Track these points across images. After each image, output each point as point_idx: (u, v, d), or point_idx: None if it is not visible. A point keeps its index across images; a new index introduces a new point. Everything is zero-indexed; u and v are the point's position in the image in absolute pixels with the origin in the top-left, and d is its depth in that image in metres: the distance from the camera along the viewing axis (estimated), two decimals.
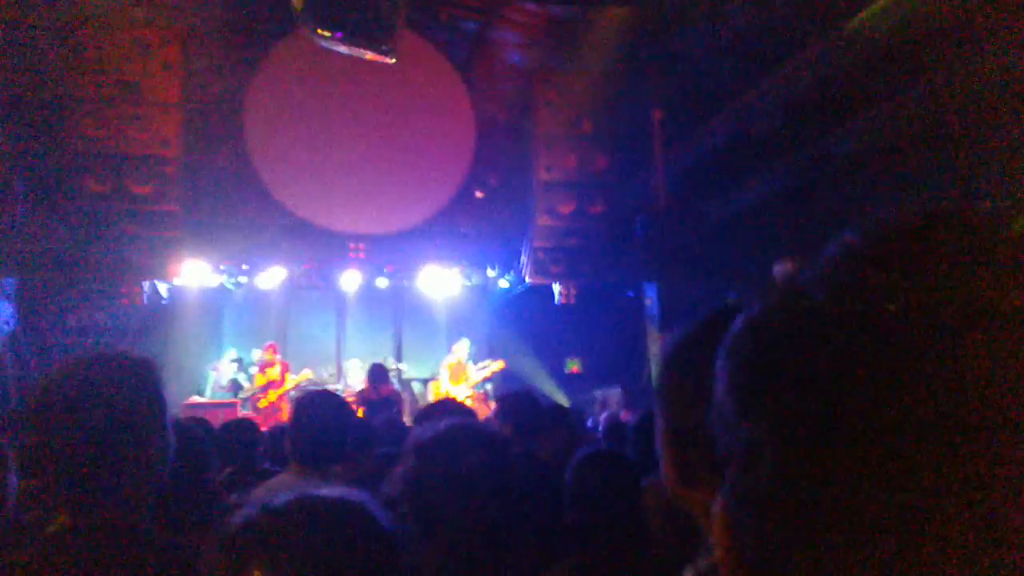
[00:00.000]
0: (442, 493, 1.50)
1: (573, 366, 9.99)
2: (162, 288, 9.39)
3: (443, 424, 1.64)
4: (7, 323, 8.65)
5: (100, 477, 1.31)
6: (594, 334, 9.94)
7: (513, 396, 4.20)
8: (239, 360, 9.91)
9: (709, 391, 0.87)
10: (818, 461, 0.38)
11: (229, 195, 9.72)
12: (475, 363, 9.26)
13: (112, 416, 1.32)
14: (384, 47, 6.44)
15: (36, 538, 1.34)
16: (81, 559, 1.24)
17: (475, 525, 1.48)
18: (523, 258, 8.90)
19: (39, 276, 8.63)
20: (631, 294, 9.66)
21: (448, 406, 4.11)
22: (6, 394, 8.11)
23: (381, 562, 0.89)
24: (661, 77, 8.00)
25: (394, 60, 6.15)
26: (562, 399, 9.40)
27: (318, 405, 2.64)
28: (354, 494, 0.96)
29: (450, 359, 9.06)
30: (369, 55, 6.46)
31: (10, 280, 8.53)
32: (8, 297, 8.64)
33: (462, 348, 9.14)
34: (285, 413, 8.51)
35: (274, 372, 9.49)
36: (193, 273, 9.66)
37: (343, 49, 6.44)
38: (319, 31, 5.89)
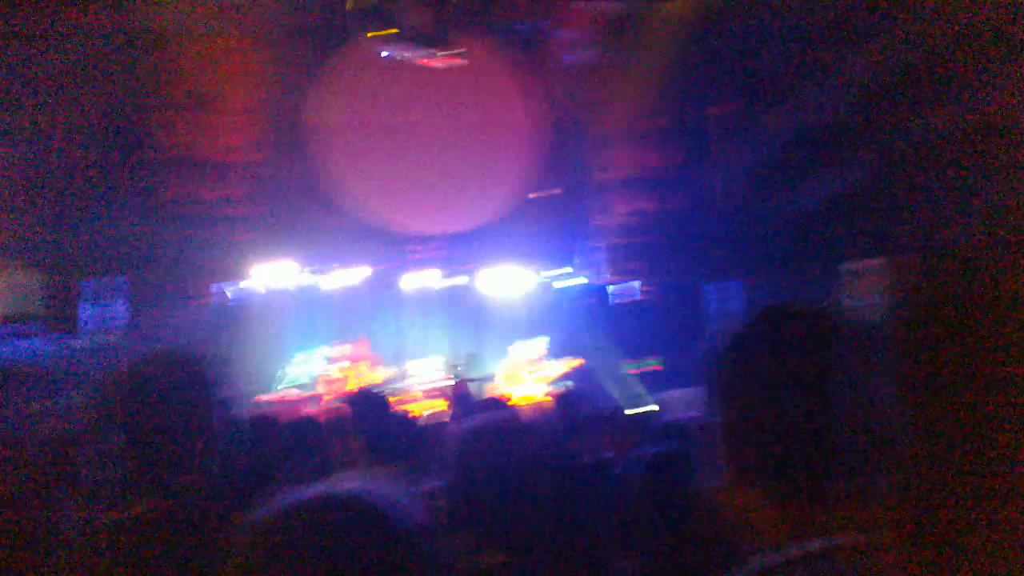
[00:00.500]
0: (478, 481, 1.51)
1: (643, 365, 9.84)
2: (242, 288, 9.75)
3: (485, 415, 1.66)
4: (92, 321, 9.12)
5: (154, 465, 1.38)
6: (670, 333, 9.76)
7: (568, 394, 4.19)
8: (307, 359, 10.19)
9: (759, 388, 0.88)
10: None
11: (302, 198, 10.01)
12: (549, 361, 9.24)
13: (164, 409, 1.39)
14: (438, 50, 6.52)
15: (98, 526, 1.42)
16: (136, 544, 1.29)
17: (510, 516, 1.48)
18: (589, 257, 8.85)
19: (120, 277, 9.08)
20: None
21: (494, 404, 4.14)
22: None
23: (394, 560, 0.88)
24: (721, 69, 7.81)
25: (443, 64, 6.22)
26: (637, 399, 9.28)
27: (369, 405, 2.68)
28: (374, 488, 0.95)
29: (522, 358, 9.07)
30: (424, 59, 6.55)
31: (93, 280, 8.99)
32: (89, 298, 9.10)
33: (535, 346, 9.14)
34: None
35: (347, 369, 9.72)
36: (270, 274, 10.00)
37: (397, 53, 6.54)
38: (372, 34, 6.00)
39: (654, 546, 2.27)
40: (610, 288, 8.90)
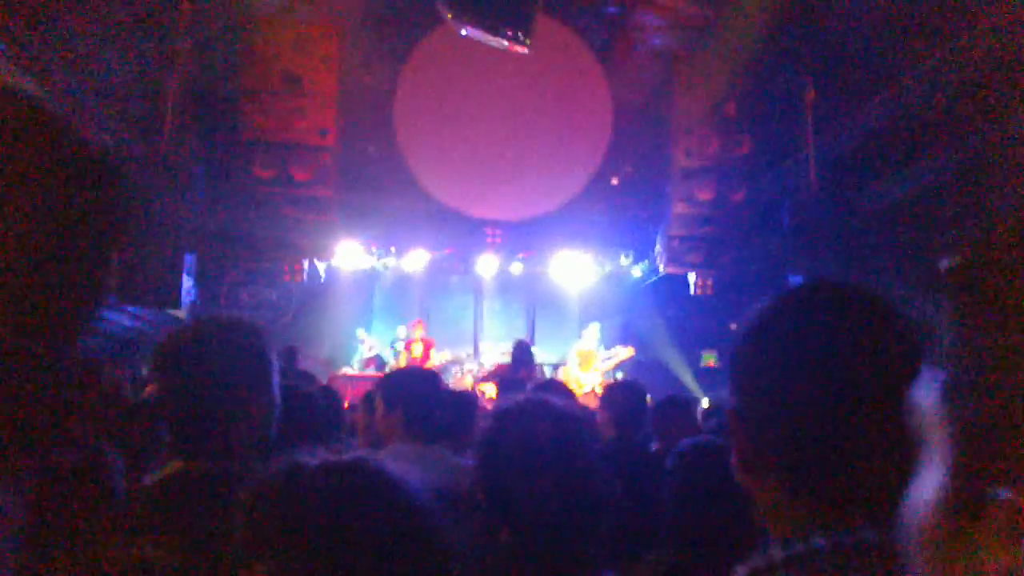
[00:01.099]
0: (509, 463, 1.50)
1: (709, 359, 9.63)
2: (320, 268, 10.10)
3: (522, 397, 1.65)
4: (188, 295, 9.67)
5: (207, 428, 1.44)
6: (740, 320, 9.47)
7: (618, 386, 4.15)
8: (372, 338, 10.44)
9: (788, 374, 0.85)
10: None
11: (379, 181, 10.28)
12: (606, 350, 9.18)
13: (219, 374, 1.45)
14: (520, 36, 6.52)
15: (153, 481, 1.52)
16: (183, 501, 1.37)
17: (541, 499, 1.47)
18: (658, 247, 8.69)
19: (214, 253, 9.56)
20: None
21: (552, 385, 4.11)
22: None
23: (401, 536, 0.88)
24: (812, 55, 7.48)
25: (527, 50, 6.20)
26: (697, 393, 9.13)
27: (412, 382, 2.72)
28: (390, 464, 0.95)
29: (580, 345, 9.04)
30: (505, 44, 6.57)
31: (190, 256, 9.52)
32: (189, 273, 9.65)
33: (592, 333, 9.09)
34: None
35: (417, 350, 9.95)
36: (347, 254, 10.35)
37: (480, 36, 6.58)
38: (456, 17, 6.06)
39: (686, 535, 2.26)
40: (691, 278, 8.69)
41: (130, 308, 8.70)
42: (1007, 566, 0.39)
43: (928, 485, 0.45)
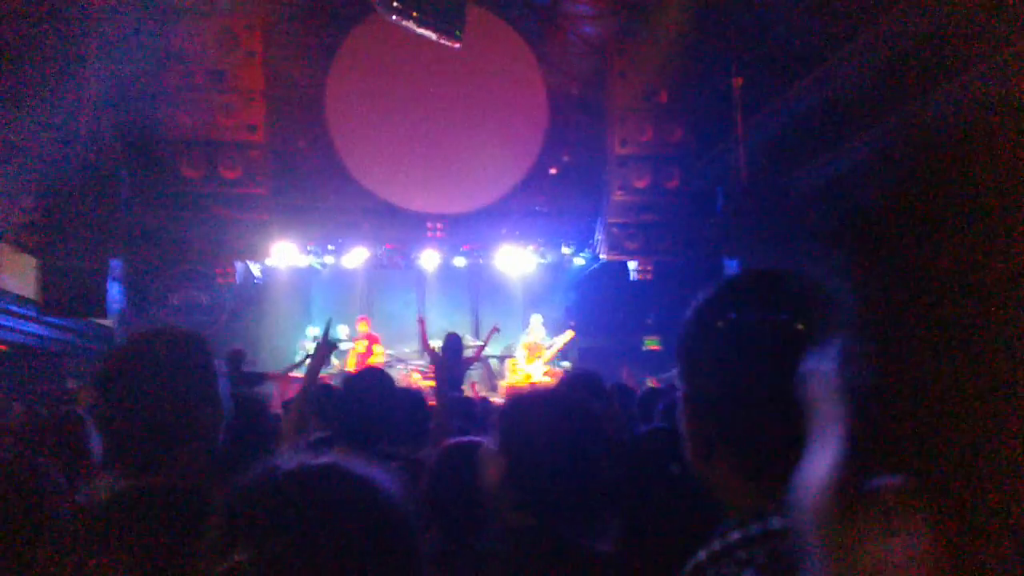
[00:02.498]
0: (533, 447, 1.55)
1: (652, 344, 9.79)
2: (255, 268, 9.84)
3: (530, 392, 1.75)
4: (116, 302, 9.30)
5: (154, 442, 1.41)
6: (673, 311, 9.67)
7: (575, 376, 4.18)
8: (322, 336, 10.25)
9: (728, 359, 0.86)
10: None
11: (314, 178, 10.07)
12: (550, 339, 9.24)
13: (164, 387, 1.42)
14: (451, 29, 6.45)
15: (101, 498, 1.46)
16: (137, 517, 1.32)
17: (563, 481, 1.52)
18: (598, 235, 8.76)
19: (142, 257, 9.21)
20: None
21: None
22: None
23: (383, 540, 0.87)
24: (741, 41, 7.62)
25: (459, 44, 6.14)
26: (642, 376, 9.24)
27: (363, 383, 2.63)
28: (365, 466, 0.94)
29: (525, 338, 9.08)
30: (436, 37, 6.49)
31: (117, 262, 9.15)
32: (117, 278, 9.28)
33: (536, 324, 9.14)
34: None
35: (361, 346, 9.81)
36: (283, 254, 10.10)
37: (414, 29, 6.49)
38: (383, 5, 5.96)
39: (642, 517, 2.28)
40: (631, 265, 8.79)
41: (53, 320, 8.32)
42: (880, 559, 0.37)
43: (820, 463, 0.43)
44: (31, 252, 7.87)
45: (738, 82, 7.88)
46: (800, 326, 0.82)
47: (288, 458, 0.93)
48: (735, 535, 0.82)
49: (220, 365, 1.57)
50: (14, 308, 7.90)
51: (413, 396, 3.63)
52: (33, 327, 8.30)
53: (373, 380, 2.70)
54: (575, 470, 1.54)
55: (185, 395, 1.45)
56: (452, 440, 2.16)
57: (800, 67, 7.30)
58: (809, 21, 6.97)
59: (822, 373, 0.45)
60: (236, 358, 7.35)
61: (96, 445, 2.38)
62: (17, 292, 7.94)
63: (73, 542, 1.36)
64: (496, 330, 8.54)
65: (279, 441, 2.72)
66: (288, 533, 0.82)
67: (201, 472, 1.45)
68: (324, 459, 0.93)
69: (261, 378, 7.91)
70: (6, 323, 7.91)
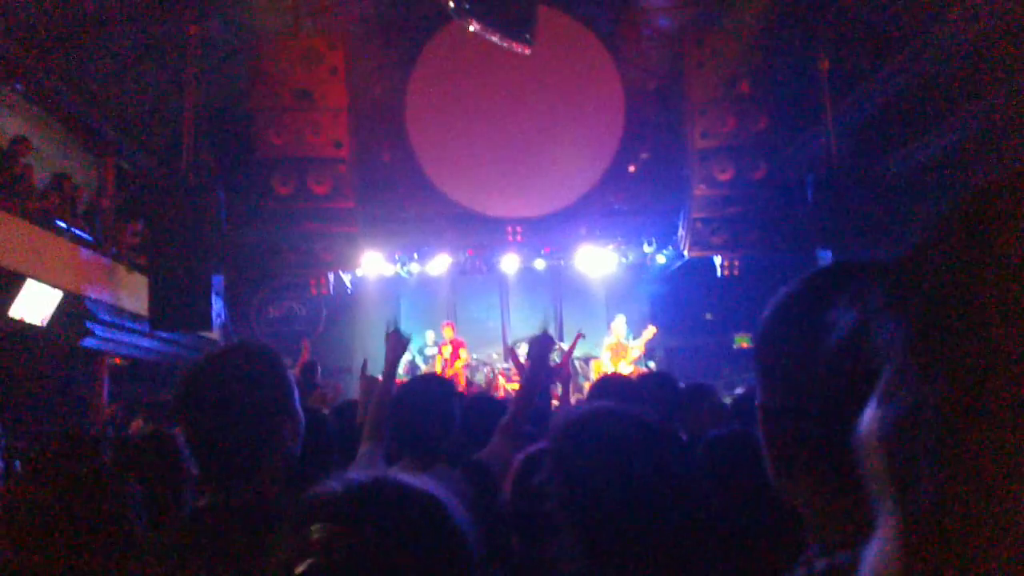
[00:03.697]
0: (589, 481, 1.34)
1: (742, 341, 9.49)
2: (346, 278, 10.16)
3: (593, 405, 1.51)
4: (220, 315, 9.82)
5: (236, 458, 1.43)
6: (764, 307, 9.33)
7: (650, 376, 4.09)
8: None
9: (812, 363, 0.75)
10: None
11: (398, 189, 10.33)
12: (635, 339, 9.11)
13: (243, 402, 1.44)
14: (522, 35, 6.48)
15: (185, 514, 1.50)
16: (218, 533, 1.35)
17: (626, 516, 1.31)
18: (681, 231, 8.57)
19: (241, 272, 9.68)
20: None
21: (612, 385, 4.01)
22: None
23: (445, 563, 0.86)
24: (825, 22, 7.31)
25: (529, 50, 6.15)
26: (731, 376, 9.00)
27: (419, 392, 2.48)
28: (434, 487, 0.93)
29: (609, 339, 8.99)
30: (507, 44, 6.54)
31: (219, 277, 9.66)
32: (219, 293, 9.80)
33: (619, 325, 9.02)
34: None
35: (447, 351, 9.97)
36: (371, 263, 10.41)
37: (485, 32, 6.56)
38: (457, 9, 6.05)
39: (713, 536, 2.18)
40: (716, 261, 8.54)
41: (163, 334, 8.84)
42: None
43: (883, 546, 0.39)
44: (142, 271, 8.41)
45: (824, 65, 7.55)
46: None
47: (352, 473, 0.94)
48: (821, 564, 0.73)
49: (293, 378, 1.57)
50: (129, 324, 8.46)
51: (481, 400, 3.52)
52: (146, 342, 8.84)
53: (426, 386, 2.57)
54: (647, 500, 1.29)
55: (264, 410, 1.45)
56: (535, 447, 1.94)
57: (889, 47, 6.95)
58: (895, 2, 6.63)
59: (867, 427, 0.40)
60: (308, 370, 7.42)
61: (191, 463, 2.46)
62: (132, 310, 8.49)
63: (155, 556, 1.41)
64: (581, 336, 8.45)
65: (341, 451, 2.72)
66: (349, 545, 0.83)
67: (281, 486, 1.46)
68: (380, 474, 0.94)
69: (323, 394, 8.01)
70: (123, 339, 8.47)
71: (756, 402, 0.84)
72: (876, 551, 0.39)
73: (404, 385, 2.58)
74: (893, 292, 0.41)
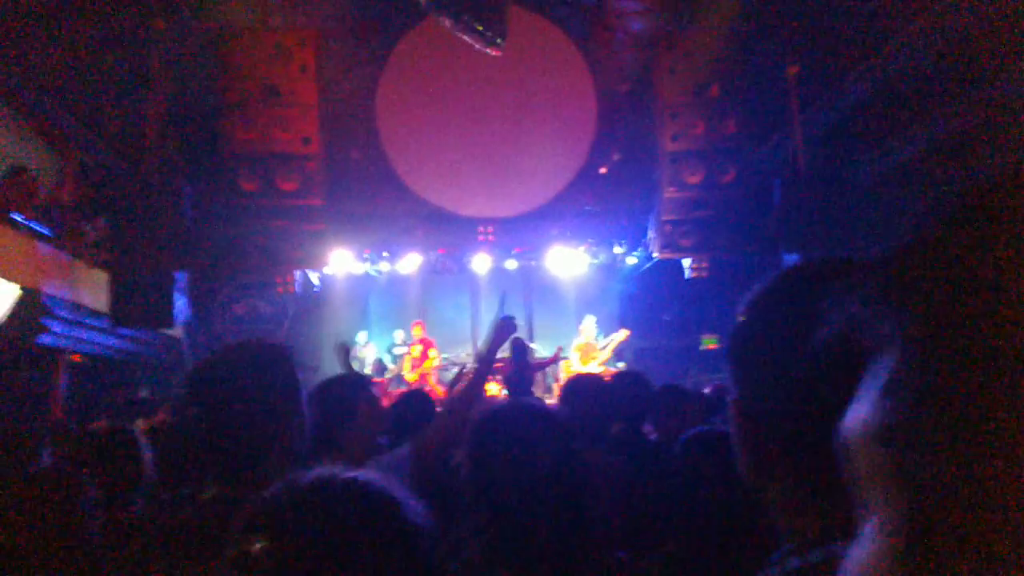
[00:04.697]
0: (499, 469, 1.46)
1: (710, 343, 9.60)
2: (313, 277, 10.04)
3: (512, 399, 1.63)
4: (182, 313, 9.63)
5: (244, 451, 1.45)
6: (731, 309, 9.47)
7: (622, 376, 4.12)
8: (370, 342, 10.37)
9: (786, 361, 0.74)
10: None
11: (367, 187, 10.23)
12: (604, 339, 9.17)
13: (252, 398, 1.45)
14: (493, 40, 6.47)
15: (189, 505, 1.48)
16: (227, 524, 1.38)
17: (533, 504, 1.43)
18: (650, 233, 8.64)
19: (205, 269, 9.50)
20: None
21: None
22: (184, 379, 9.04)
23: (398, 552, 0.87)
24: (794, 29, 7.43)
25: (499, 52, 6.14)
26: (700, 376, 9.08)
27: (330, 390, 2.44)
28: (380, 479, 0.95)
29: (578, 340, 9.02)
30: (479, 45, 6.52)
31: (182, 274, 9.47)
32: (182, 291, 9.61)
33: (588, 326, 9.07)
34: (438, 389, 8.91)
35: (416, 351, 9.92)
36: (340, 262, 10.30)
37: (458, 32, 6.54)
38: (434, 9, 6.03)
39: (688, 533, 2.20)
40: (685, 263, 8.63)
41: (125, 331, 8.64)
42: None
43: (868, 547, 0.38)
44: (104, 267, 8.21)
45: (793, 70, 7.67)
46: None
47: (315, 469, 0.95)
48: (794, 562, 0.72)
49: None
50: (89, 321, 8.25)
51: (414, 396, 3.60)
52: (106, 339, 8.63)
53: (338, 388, 2.51)
54: (549, 485, 1.40)
55: (273, 405, 1.47)
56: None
57: (856, 54, 7.08)
58: (863, 8, 6.76)
59: (860, 423, 0.39)
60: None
61: (148, 461, 2.41)
62: (92, 306, 8.29)
63: (162, 547, 1.40)
64: (560, 352, 8.55)
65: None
66: (300, 532, 0.85)
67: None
68: (345, 471, 0.95)
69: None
70: (83, 335, 8.26)
71: (729, 399, 0.83)
72: (864, 550, 0.39)
73: (318, 386, 2.49)
74: (892, 285, 0.40)
